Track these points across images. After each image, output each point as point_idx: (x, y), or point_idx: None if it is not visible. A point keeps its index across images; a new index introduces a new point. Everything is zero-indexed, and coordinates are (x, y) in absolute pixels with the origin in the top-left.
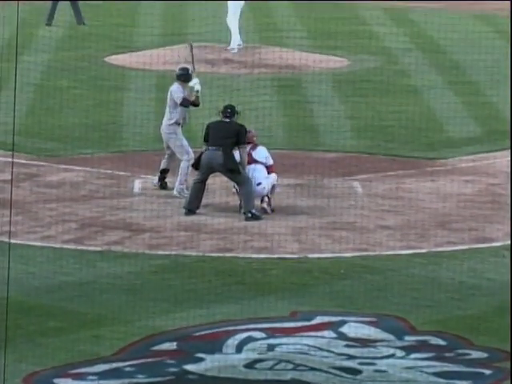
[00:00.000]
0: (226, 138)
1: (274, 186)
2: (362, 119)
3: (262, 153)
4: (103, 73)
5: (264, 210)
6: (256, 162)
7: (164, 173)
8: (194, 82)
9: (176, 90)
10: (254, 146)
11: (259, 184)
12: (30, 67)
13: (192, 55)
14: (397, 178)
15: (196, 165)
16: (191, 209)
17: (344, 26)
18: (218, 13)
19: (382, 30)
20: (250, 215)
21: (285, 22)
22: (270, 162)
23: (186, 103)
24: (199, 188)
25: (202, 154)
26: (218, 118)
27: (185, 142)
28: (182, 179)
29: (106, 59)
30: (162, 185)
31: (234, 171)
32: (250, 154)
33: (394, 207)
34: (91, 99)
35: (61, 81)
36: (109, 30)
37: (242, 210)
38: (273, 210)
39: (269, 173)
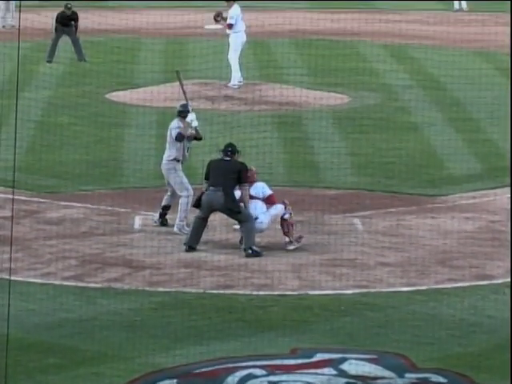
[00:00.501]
0: (227, 177)
1: (285, 220)
2: (363, 156)
3: (258, 188)
4: (104, 109)
5: (290, 243)
6: (253, 198)
7: (165, 209)
8: (191, 119)
9: (174, 126)
10: (252, 183)
11: (256, 219)
12: (31, 104)
13: (181, 83)
14: (397, 215)
15: (197, 204)
16: (191, 245)
17: (344, 62)
18: (219, 49)
19: (382, 66)
20: (250, 252)
21: (285, 59)
22: (268, 192)
23: (180, 138)
24: (200, 224)
25: (202, 193)
26: (219, 157)
27: (184, 179)
28: (182, 216)
29: (107, 96)
30: (163, 222)
31: (234, 210)
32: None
33: (394, 244)
34: (92, 136)
35: (61, 117)
36: (109, 67)
37: (243, 246)
38: (300, 237)
39: (271, 203)
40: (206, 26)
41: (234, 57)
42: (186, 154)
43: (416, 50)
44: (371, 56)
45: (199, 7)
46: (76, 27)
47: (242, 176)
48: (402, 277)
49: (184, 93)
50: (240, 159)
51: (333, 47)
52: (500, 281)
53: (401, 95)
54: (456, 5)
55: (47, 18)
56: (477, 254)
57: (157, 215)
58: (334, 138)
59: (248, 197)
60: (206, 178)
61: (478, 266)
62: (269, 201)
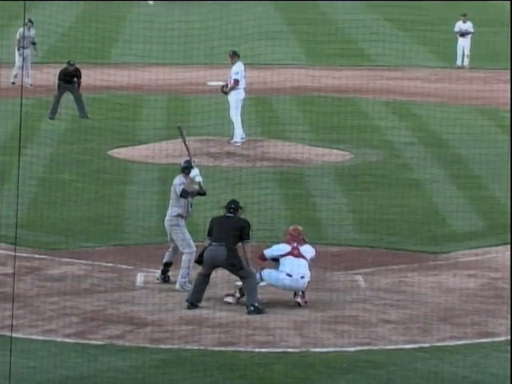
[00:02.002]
0: (230, 234)
1: (309, 282)
2: (365, 213)
3: (308, 250)
4: (106, 166)
5: (298, 304)
6: (302, 257)
7: (167, 266)
8: (195, 174)
9: (178, 182)
10: (302, 243)
11: (302, 277)
12: (33, 160)
13: (183, 139)
14: (399, 272)
15: (199, 260)
16: (193, 302)
17: (346, 119)
18: (221, 106)
19: (384, 123)
20: (252, 309)
21: (287, 116)
22: (313, 257)
23: (185, 195)
24: (202, 281)
25: (205, 249)
26: (222, 213)
27: (187, 236)
28: (184, 273)
29: (109, 152)
30: (165, 278)
31: (237, 266)
32: (296, 248)
33: (396, 301)
34: (94, 192)
35: (63, 174)
36: (112, 124)
37: (245, 303)
38: (306, 303)
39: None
40: (209, 83)
41: (235, 113)
42: (190, 209)
43: (418, 107)
44: (373, 113)
45: (201, 64)
46: (79, 84)
47: (245, 232)
48: (405, 334)
49: (187, 148)
50: (242, 215)
51: (334, 104)
52: (502, 338)
53: (403, 152)
54: (458, 61)
55: (49, 75)
56: (479, 311)
57: (159, 272)
58: (336, 195)
59: (250, 253)
60: (209, 235)
61: (481, 324)
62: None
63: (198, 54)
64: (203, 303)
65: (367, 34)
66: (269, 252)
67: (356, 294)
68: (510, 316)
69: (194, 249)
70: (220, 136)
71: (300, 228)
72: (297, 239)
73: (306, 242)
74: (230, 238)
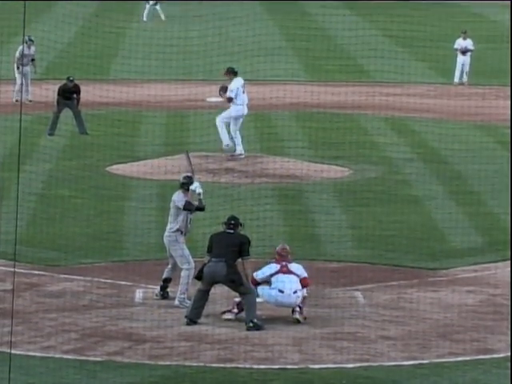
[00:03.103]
0: (229, 250)
1: (305, 298)
2: (364, 229)
3: (298, 267)
4: (104, 182)
5: (297, 320)
6: (292, 273)
7: (166, 282)
8: (195, 186)
9: (178, 197)
10: (290, 261)
11: (295, 292)
12: (32, 177)
13: (190, 163)
14: (398, 288)
15: (199, 276)
16: (192, 318)
17: (345, 135)
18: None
19: (383, 139)
20: (251, 325)
21: (286, 132)
22: (305, 274)
23: (189, 207)
24: (202, 297)
25: (204, 265)
26: (221, 229)
27: (186, 252)
28: (183, 289)
29: (108, 169)
30: (164, 294)
31: (236, 282)
32: (285, 266)
33: (395, 317)
34: (92, 208)
35: (62, 190)
36: (110, 140)
37: (244, 319)
38: (305, 318)
39: (304, 285)
40: (208, 99)
41: (233, 129)
42: (189, 225)
43: (417, 123)
44: (372, 129)
45: (200, 80)
46: (78, 100)
47: (245, 249)
48: (404, 350)
49: (192, 172)
50: (242, 232)
51: (333, 120)
52: (502, 355)
53: (402, 168)
54: (456, 78)
55: (48, 91)
56: (478, 327)
57: (158, 288)
58: (335, 211)
59: (250, 270)
60: (209, 251)
61: (480, 340)
62: (303, 282)
63: (197, 70)
64: (202, 319)
65: (366, 50)
66: (259, 274)
67: (355, 310)
68: (510, 332)
69: (193, 265)
70: (219, 152)
71: (288, 247)
72: (285, 259)
73: (293, 261)
74: (230, 254)
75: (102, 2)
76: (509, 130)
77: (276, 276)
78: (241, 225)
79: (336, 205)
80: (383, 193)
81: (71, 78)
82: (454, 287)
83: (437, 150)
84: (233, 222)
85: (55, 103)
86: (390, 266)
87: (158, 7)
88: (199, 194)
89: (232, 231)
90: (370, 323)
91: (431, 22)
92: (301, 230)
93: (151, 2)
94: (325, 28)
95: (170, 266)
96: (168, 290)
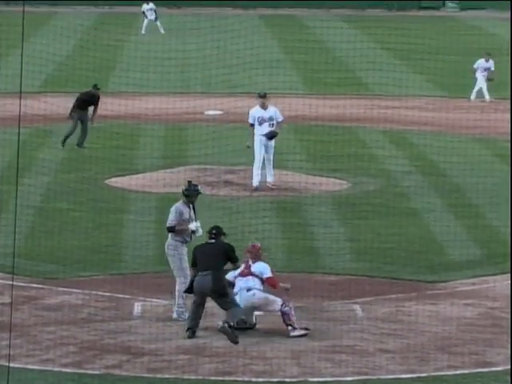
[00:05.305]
0: (214, 260)
1: (285, 311)
2: (362, 242)
3: (259, 267)
4: (103, 195)
5: (294, 330)
6: (252, 275)
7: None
8: (196, 226)
9: (174, 210)
10: (256, 260)
11: (249, 290)
12: (30, 190)
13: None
14: (397, 301)
15: (189, 290)
16: (192, 327)
17: (344, 148)
18: (218, 135)
19: (381, 152)
20: (225, 325)
21: (284, 145)
22: (266, 274)
23: (171, 230)
24: (196, 309)
25: (193, 279)
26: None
27: (185, 264)
28: (181, 302)
29: (106, 181)
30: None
31: (223, 296)
32: (247, 267)
33: (394, 330)
34: (91, 221)
35: (60, 203)
36: (109, 153)
37: (220, 324)
38: (307, 329)
39: (270, 285)
40: (206, 112)
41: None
42: (192, 236)
43: (415, 136)
44: (370, 142)
45: (198, 93)
46: (95, 111)
47: (232, 256)
48: (402, 364)
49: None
50: (239, 244)
51: (332, 133)
52: (500, 368)
53: (400, 181)
54: (472, 96)
55: (46, 104)
56: (477, 340)
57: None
58: (333, 224)
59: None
60: (193, 265)
61: (478, 353)
62: (268, 283)
63: (195, 83)
64: (201, 333)
65: (364, 63)
66: (230, 275)
67: (353, 323)
68: (509, 346)
69: (188, 279)
70: (217, 165)
71: (259, 245)
72: (254, 256)
73: (259, 260)
74: (215, 265)
75: (101, 15)
76: (508, 144)
77: (237, 279)
78: (223, 234)
79: (334, 218)
80: (382, 205)
81: (98, 87)
82: (452, 300)
83: (435, 163)
84: (214, 231)
85: (70, 112)
86: (388, 278)
87: (158, 22)
88: (199, 235)
89: (213, 241)
90: (368, 336)
91: (429, 35)
92: (299, 243)
93: (150, 17)
94: (323, 41)
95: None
96: (166, 302)
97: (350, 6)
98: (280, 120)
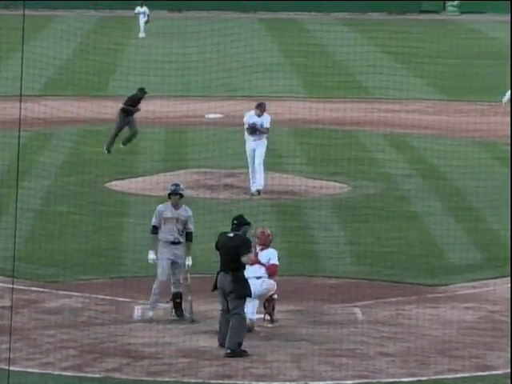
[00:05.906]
0: (229, 258)
1: (274, 297)
2: (362, 245)
3: (267, 254)
4: (103, 198)
5: (270, 321)
6: (259, 263)
7: (176, 297)
8: (187, 264)
9: (158, 210)
10: (264, 247)
11: (258, 278)
12: (31, 193)
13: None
14: (397, 305)
15: (214, 287)
16: (222, 343)
17: (344, 152)
18: (218, 138)
19: (382, 156)
20: (229, 352)
21: (285, 148)
22: (273, 261)
23: (153, 232)
24: (224, 319)
25: (218, 275)
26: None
27: (164, 264)
28: (153, 299)
29: (107, 185)
30: (178, 313)
31: (240, 298)
32: (256, 254)
33: (394, 334)
34: (91, 225)
35: (61, 206)
36: (109, 156)
37: (226, 346)
38: (275, 321)
39: (271, 272)
40: (207, 116)
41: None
42: (179, 236)
43: (415, 140)
44: (371, 145)
45: (199, 96)
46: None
47: (240, 252)
48: (402, 367)
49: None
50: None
51: (332, 136)
52: (500, 371)
53: (401, 184)
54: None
55: (46, 108)
56: (477, 344)
57: (169, 306)
58: (333, 227)
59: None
60: (217, 248)
61: (479, 357)
62: (269, 270)
63: (195, 86)
64: (200, 336)
65: (365, 67)
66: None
67: (354, 326)
68: (510, 349)
69: (161, 282)
70: (218, 168)
71: (268, 231)
72: (263, 242)
73: (268, 248)
74: (231, 263)
75: (101, 19)
76: (508, 147)
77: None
78: (247, 224)
79: (335, 221)
80: (382, 209)
81: (145, 90)
82: (452, 303)
83: (435, 167)
84: (235, 221)
85: (116, 116)
86: (388, 282)
87: (146, 25)
88: (188, 265)
89: (232, 234)
90: (368, 340)
91: (430, 39)
92: (299, 246)
93: (141, 20)
94: (323, 44)
95: (173, 281)
96: (167, 305)
97: (350, 10)
98: (265, 126)
